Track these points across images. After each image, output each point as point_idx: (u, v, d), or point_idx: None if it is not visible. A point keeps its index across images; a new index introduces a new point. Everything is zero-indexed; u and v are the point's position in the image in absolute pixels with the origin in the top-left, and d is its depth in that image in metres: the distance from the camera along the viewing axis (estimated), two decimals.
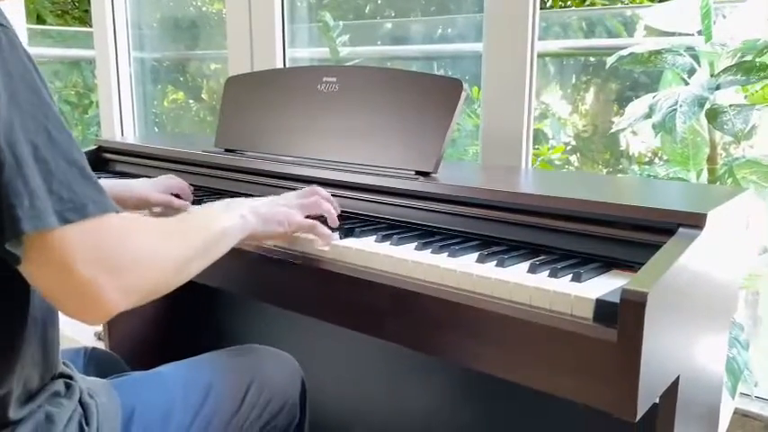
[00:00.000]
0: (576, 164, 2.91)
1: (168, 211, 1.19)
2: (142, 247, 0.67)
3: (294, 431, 1.02)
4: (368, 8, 2.45)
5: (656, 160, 2.74)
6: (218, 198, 1.27)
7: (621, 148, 2.84)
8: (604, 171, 2.95)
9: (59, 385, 0.77)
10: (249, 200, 0.92)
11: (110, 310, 0.64)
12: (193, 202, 1.26)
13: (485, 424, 1.32)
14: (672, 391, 0.80)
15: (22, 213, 0.58)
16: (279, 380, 1.00)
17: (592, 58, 2.76)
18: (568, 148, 2.90)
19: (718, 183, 1.63)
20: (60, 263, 0.61)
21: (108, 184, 1.14)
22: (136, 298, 0.66)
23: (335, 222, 1.00)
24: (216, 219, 0.82)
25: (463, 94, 1.08)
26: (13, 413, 0.71)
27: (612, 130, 1.77)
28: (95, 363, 1.07)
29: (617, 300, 0.70)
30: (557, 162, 2.70)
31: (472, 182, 1.12)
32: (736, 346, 1.41)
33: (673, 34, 1.72)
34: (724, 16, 1.65)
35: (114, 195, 1.11)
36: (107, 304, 0.63)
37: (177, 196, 1.22)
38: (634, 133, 2.36)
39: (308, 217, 0.96)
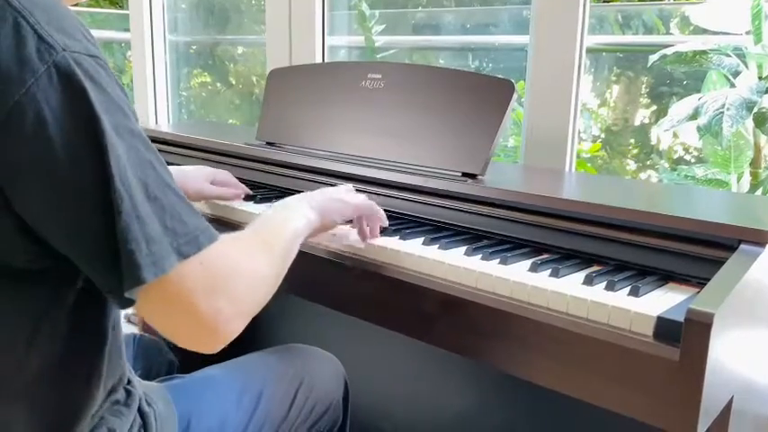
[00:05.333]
0: (604, 158, 2.88)
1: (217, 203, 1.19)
2: (250, 269, 0.67)
3: None
4: None
5: (687, 156, 2.70)
6: (259, 190, 1.28)
7: (652, 143, 2.80)
8: (634, 166, 2.92)
9: (120, 393, 0.77)
10: (302, 195, 0.91)
11: (230, 336, 0.64)
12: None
13: (525, 426, 1.32)
14: (725, 410, 0.79)
15: (143, 260, 0.57)
16: (324, 381, 1.00)
17: (622, 54, 2.71)
18: (598, 141, 2.86)
19: (761, 187, 1.60)
20: (181, 299, 0.60)
21: None
22: (249, 318, 0.66)
23: (385, 222, 1.00)
24: (286, 224, 0.81)
25: (514, 96, 1.07)
26: (80, 426, 0.71)
27: (652, 131, 1.74)
28: (144, 352, 1.07)
29: (679, 318, 0.69)
30: (584, 155, 2.67)
31: (520, 185, 1.11)
32: None
33: (716, 33, 1.69)
34: None
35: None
36: (228, 332, 0.63)
37: None
38: (675, 136, 2.33)
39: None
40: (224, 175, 1.22)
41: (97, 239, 0.57)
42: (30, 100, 0.55)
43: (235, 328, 0.64)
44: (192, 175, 1.17)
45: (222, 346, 0.64)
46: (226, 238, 0.66)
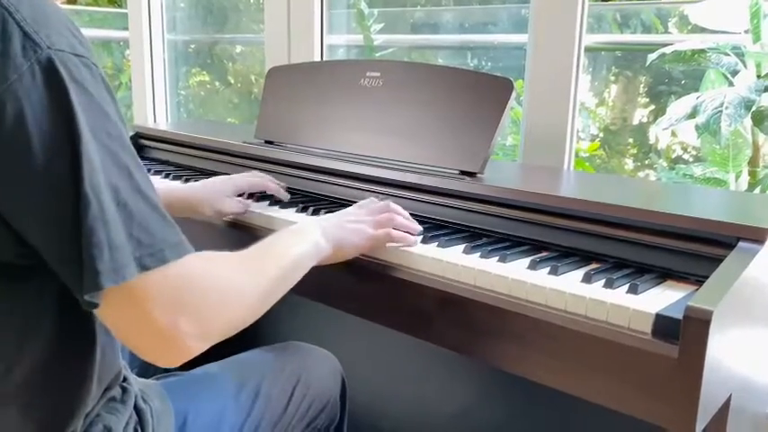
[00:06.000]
0: (603, 157, 2.88)
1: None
2: (224, 288, 0.66)
3: (334, 430, 1.03)
4: None
5: (685, 155, 2.70)
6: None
7: (650, 142, 2.80)
8: (632, 165, 2.92)
9: (116, 390, 0.77)
10: (322, 219, 0.89)
11: (188, 353, 0.63)
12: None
13: (524, 423, 1.32)
14: (723, 408, 0.79)
15: (102, 266, 0.57)
16: (322, 379, 1.00)
17: (620, 53, 2.71)
18: (596, 140, 2.87)
19: (759, 185, 1.60)
20: (140, 312, 0.60)
21: (177, 192, 1.11)
22: (216, 339, 0.65)
23: (413, 232, 0.97)
24: (290, 247, 0.79)
25: (513, 94, 1.07)
26: (74, 425, 0.70)
27: (650, 130, 1.75)
28: None
29: (677, 315, 0.69)
30: (582, 154, 2.67)
31: (519, 183, 1.11)
32: None
33: (714, 32, 1.69)
34: None
35: (186, 205, 1.08)
36: (186, 349, 0.62)
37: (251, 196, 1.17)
38: (674, 135, 2.33)
39: None
40: (251, 179, 1.15)
41: (65, 239, 0.57)
42: (11, 96, 0.55)
43: (195, 346, 0.63)
44: (206, 194, 1.10)
45: (181, 362, 0.63)
46: (203, 255, 0.65)
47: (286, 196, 1.18)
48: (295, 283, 0.79)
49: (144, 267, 0.59)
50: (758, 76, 1.51)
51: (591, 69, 2.78)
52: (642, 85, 2.84)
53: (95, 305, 0.59)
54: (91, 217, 0.56)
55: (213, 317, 0.64)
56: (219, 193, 1.11)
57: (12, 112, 0.55)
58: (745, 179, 1.70)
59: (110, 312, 0.61)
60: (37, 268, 0.63)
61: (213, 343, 0.65)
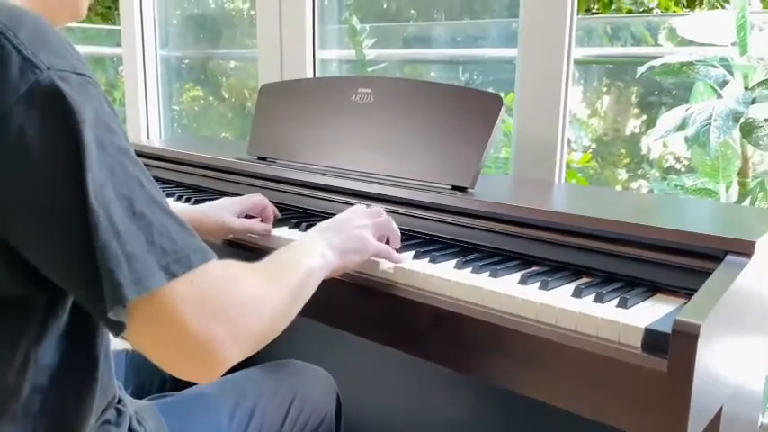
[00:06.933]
0: (595, 168, 2.90)
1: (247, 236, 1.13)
2: (249, 295, 0.64)
3: None
4: (393, 8, 2.44)
5: (677, 165, 2.72)
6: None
7: (642, 153, 2.82)
8: (625, 176, 2.94)
9: (111, 413, 0.76)
10: (322, 229, 0.88)
11: (225, 363, 0.61)
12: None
13: None
14: (715, 419, 0.79)
15: (123, 278, 0.55)
16: (317, 397, 1.00)
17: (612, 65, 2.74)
18: (589, 151, 2.88)
19: (749, 196, 1.62)
20: (171, 321, 0.58)
21: (184, 212, 1.09)
22: (249, 348, 0.63)
23: (398, 243, 0.98)
24: (301, 260, 0.78)
25: (502, 110, 1.08)
26: None
27: (642, 142, 1.76)
28: (135, 369, 1.06)
29: (667, 329, 0.69)
30: (576, 165, 2.69)
31: (510, 198, 1.12)
32: None
33: (702, 45, 1.70)
34: (760, 29, 1.63)
35: (195, 223, 1.08)
36: (223, 358, 0.60)
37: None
38: (665, 146, 2.35)
39: None
40: (255, 200, 1.15)
41: (78, 258, 0.56)
42: (12, 118, 0.55)
43: (231, 353, 0.61)
44: (214, 211, 1.11)
45: (218, 375, 0.62)
46: (226, 263, 0.64)
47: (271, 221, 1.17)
48: (309, 297, 0.77)
49: (172, 274, 0.57)
50: (746, 88, 1.53)
51: (582, 81, 2.80)
52: (634, 96, 2.87)
53: (122, 325, 0.57)
54: (102, 232, 0.55)
55: (244, 323, 0.62)
56: (227, 210, 1.11)
57: (14, 136, 0.55)
58: (735, 190, 1.72)
59: (139, 330, 0.59)
60: (39, 300, 0.62)
61: (247, 353, 0.63)
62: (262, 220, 1.14)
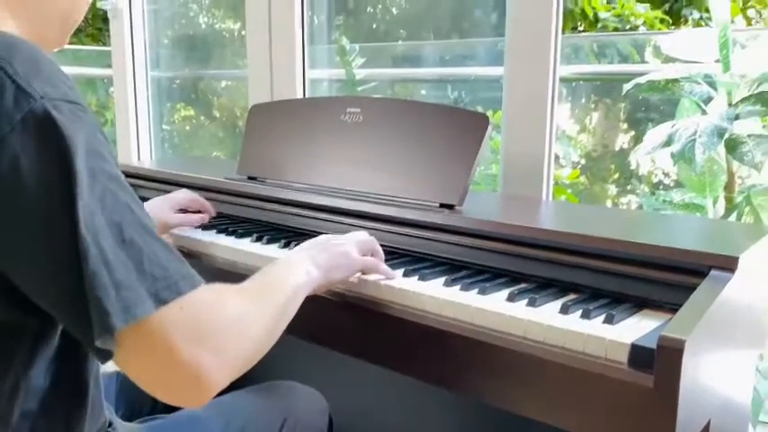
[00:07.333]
0: (585, 183, 2.92)
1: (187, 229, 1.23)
2: (236, 319, 0.65)
3: None
4: (382, 28, 2.47)
5: (666, 180, 2.75)
6: (240, 225, 1.29)
7: (632, 168, 2.84)
8: (615, 191, 2.96)
9: None
10: (306, 247, 0.89)
11: (215, 388, 0.61)
12: (218, 231, 1.26)
13: None
14: None
15: (111, 307, 0.55)
16: (309, 417, 1.00)
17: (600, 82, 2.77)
18: (578, 167, 2.91)
19: (735, 210, 1.63)
20: (160, 348, 0.58)
21: None
22: (237, 371, 0.64)
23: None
24: (286, 278, 0.79)
25: (489, 128, 1.09)
26: None
27: (630, 157, 1.78)
28: (126, 391, 1.06)
29: (652, 345, 0.70)
30: (566, 180, 2.71)
31: (498, 215, 1.12)
32: (756, 376, 1.41)
33: (687, 62, 1.73)
34: (742, 46, 1.66)
35: None
36: (212, 383, 0.61)
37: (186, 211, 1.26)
38: (653, 161, 2.37)
39: None
40: (182, 195, 1.27)
41: (67, 286, 0.57)
42: (6, 147, 0.56)
43: (220, 379, 0.61)
44: (154, 209, 1.19)
45: (207, 400, 0.62)
46: (214, 287, 0.65)
47: (211, 212, 1.31)
48: (294, 314, 0.78)
49: (161, 301, 0.58)
50: (729, 104, 1.55)
51: (571, 98, 2.83)
52: (622, 113, 2.90)
53: (110, 353, 0.58)
54: (92, 260, 0.56)
55: (232, 347, 0.63)
56: (162, 210, 1.21)
57: (7, 164, 0.56)
58: (722, 204, 1.73)
59: (127, 357, 0.59)
60: (28, 326, 0.63)
61: (234, 377, 0.64)
62: (241, 235, 1.23)
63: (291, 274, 0.80)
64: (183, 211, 1.28)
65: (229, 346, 0.63)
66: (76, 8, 0.78)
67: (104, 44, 3.81)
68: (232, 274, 1.06)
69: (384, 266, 0.95)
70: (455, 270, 1.01)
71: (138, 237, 0.59)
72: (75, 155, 0.57)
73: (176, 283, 0.60)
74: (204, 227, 1.30)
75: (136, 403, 1.05)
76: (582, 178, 2.88)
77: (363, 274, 0.96)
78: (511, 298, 0.87)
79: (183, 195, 1.27)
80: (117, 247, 0.57)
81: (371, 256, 0.96)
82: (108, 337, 0.56)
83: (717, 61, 1.61)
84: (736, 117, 1.48)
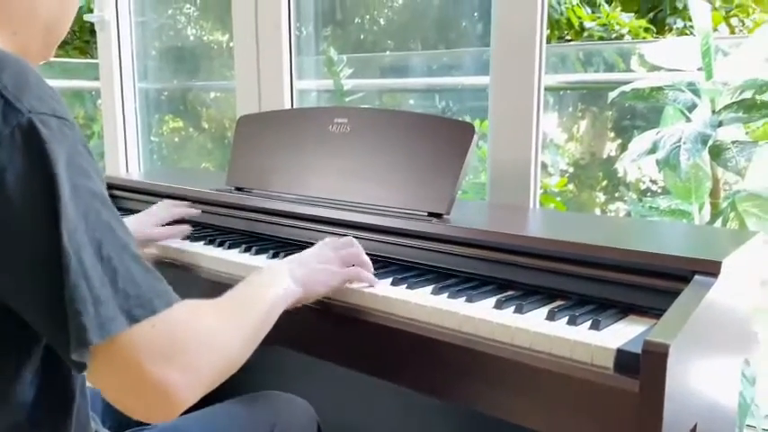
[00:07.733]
0: (573, 191, 2.94)
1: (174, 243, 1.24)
2: (210, 335, 0.66)
3: None
4: (370, 39, 2.49)
5: (653, 186, 2.77)
6: (229, 236, 1.29)
7: (619, 176, 2.87)
8: (603, 198, 2.99)
9: None
10: (287, 262, 0.89)
11: (179, 407, 0.62)
12: (207, 242, 1.26)
13: None
14: None
15: (88, 322, 0.56)
16: (297, 427, 1.00)
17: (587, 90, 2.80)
18: (566, 175, 2.93)
19: (721, 216, 1.65)
20: (130, 366, 0.59)
21: None
22: (206, 388, 0.64)
23: (371, 271, 0.99)
24: (264, 292, 0.80)
25: (475, 137, 1.10)
26: None
27: (616, 165, 1.80)
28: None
29: (637, 350, 0.70)
30: (554, 189, 2.73)
31: (485, 224, 1.13)
32: (742, 381, 1.42)
33: (671, 70, 1.75)
34: (724, 54, 1.68)
35: None
36: (179, 402, 0.61)
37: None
38: (639, 168, 2.39)
39: None
40: (164, 212, 1.28)
41: (48, 298, 0.57)
42: None
43: (188, 396, 0.62)
44: (137, 225, 1.21)
45: (173, 417, 0.62)
46: (188, 304, 0.65)
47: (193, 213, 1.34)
48: (270, 327, 0.78)
49: (134, 319, 0.59)
50: (713, 112, 1.57)
51: (558, 107, 2.85)
52: (609, 120, 2.92)
53: (84, 366, 0.58)
54: (73, 273, 0.56)
55: (202, 365, 0.63)
56: (146, 226, 1.23)
57: None
58: (708, 210, 1.75)
59: (99, 371, 0.60)
60: (14, 340, 0.63)
61: (205, 392, 0.64)
62: (230, 246, 1.24)
63: (269, 289, 0.81)
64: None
65: (201, 362, 0.63)
66: (62, 21, 0.78)
67: (92, 57, 3.81)
68: (220, 285, 1.06)
69: (366, 274, 0.95)
70: (443, 278, 1.02)
71: (115, 255, 0.60)
72: (58, 171, 0.58)
73: (150, 301, 0.60)
74: (193, 238, 1.30)
75: (123, 415, 1.04)
76: (570, 186, 2.90)
77: (349, 283, 0.96)
78: (498, 305, 0.88)
79: (164, 214, 1.28)
80: (96, 263, 0.58)
81: (359, 265, 0.96)
82: (84, 350, 0.57)
83: (700, 69, 1.63)
84: (720, 124, 1.50)
